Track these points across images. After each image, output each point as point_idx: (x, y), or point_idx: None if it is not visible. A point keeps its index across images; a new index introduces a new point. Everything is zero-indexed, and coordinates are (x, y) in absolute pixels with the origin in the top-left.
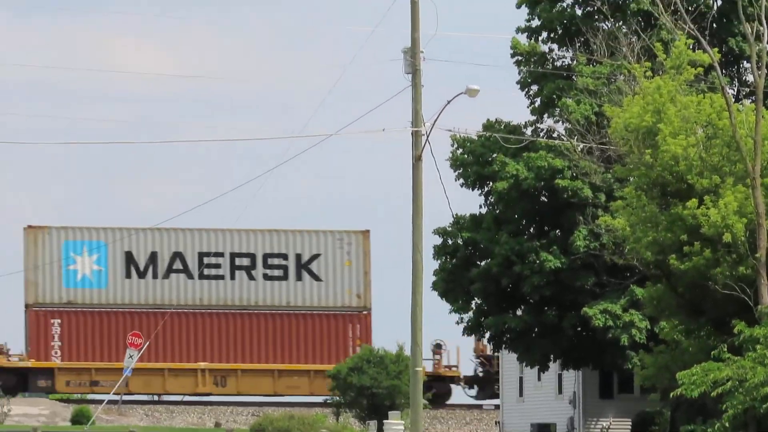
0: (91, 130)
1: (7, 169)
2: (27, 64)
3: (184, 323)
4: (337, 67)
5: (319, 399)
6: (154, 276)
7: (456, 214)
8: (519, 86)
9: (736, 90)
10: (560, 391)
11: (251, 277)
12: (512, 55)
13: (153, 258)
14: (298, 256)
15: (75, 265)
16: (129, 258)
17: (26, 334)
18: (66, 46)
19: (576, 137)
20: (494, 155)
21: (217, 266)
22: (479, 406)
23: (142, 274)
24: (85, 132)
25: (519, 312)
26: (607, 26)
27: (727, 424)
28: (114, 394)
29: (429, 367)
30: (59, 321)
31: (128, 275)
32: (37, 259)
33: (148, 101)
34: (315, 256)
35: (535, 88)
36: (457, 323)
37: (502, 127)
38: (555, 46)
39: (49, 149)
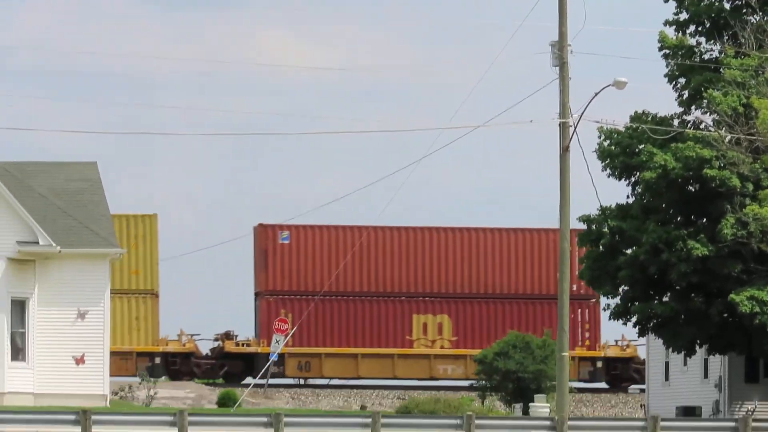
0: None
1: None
2: (176, 57)
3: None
4: (486, 61)
5: (465, 383)
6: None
7: (602, 205)
8: (667, 79)
9: None
10: (706, 375)
11: None
12: (660, 48)
13: None
14: None
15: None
16: None
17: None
18: (213, 40)
19: (724, 128)
20: (642, 146)
21: None
22: (625, 390)
23: None
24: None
25: (666, 299)
26: (756, 19)
27: None
28: (260, 377)
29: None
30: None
31: None
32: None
33: (297, 94)
34: None
35: (682, 80)
36: (604, 309)
37: (650, 118)
38: (703, 39)
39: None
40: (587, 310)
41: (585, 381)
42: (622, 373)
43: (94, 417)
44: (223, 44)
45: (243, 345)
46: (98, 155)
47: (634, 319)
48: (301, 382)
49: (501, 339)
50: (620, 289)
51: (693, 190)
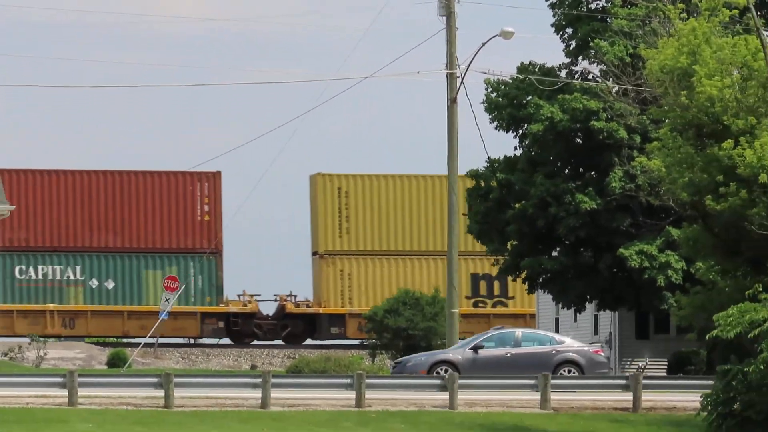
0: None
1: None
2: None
3: None
4: (372, 10)
5: (356, 341)
6: None
7: (490, 157)
8: (554, 29)
9: None
10: (596, 332)
11: None
12: None
13: None
14: None
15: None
16: None
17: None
18: None
19: (611, 79)
20: (529, 98)
21: None
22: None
23: None
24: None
25: (555, 253)
26: None
27: (762, 366)
28: (150, 336)
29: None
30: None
31: None
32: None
33: (183, 46)
34: None
35: (569, 30)
36: (493, 265)
37: (537, 69)
38: None
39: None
40: None
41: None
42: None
43: None
44: None
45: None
46: None
47: (523, 274)
48: (191, 341)
49: (391, 296)
50: (508, 244)
51: (580, 142)
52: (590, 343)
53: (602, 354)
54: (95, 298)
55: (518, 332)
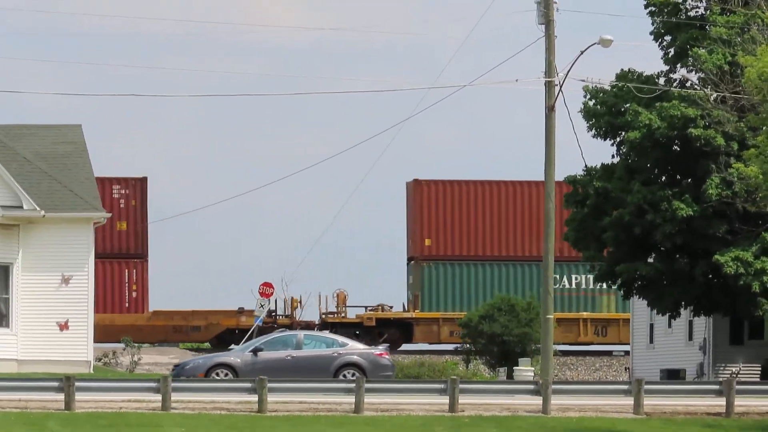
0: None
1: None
2: (165, 18)
3: None
4: (470, 19)
5: (450, 347)
6: None
7: (587, 165)
8: (652, 37)
9: None
10: (690, 338)
11: None
12: (646, 6)
13: None
14: None
15: None
16: None
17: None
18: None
19: (709, 87)
20: (627, 105)
21: None
22: (609, 353)
23: None
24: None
25: (650, 260)
26: None
27: None
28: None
29: None
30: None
31: None
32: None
33: (282, 54)
34: None
35: (668, 38)
36: (589, 271)
37: (635, 77)
38: None
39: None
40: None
41: None
42: None
43: (77, 384)
44: (214, 4)
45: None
46: (88, 118)
47: (619, 280)
48: None
49: (486, 302)
50: (604, 251)
51: (678, 149)
52: (376, 346)
53: (387, 357)
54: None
55: (300, 335)
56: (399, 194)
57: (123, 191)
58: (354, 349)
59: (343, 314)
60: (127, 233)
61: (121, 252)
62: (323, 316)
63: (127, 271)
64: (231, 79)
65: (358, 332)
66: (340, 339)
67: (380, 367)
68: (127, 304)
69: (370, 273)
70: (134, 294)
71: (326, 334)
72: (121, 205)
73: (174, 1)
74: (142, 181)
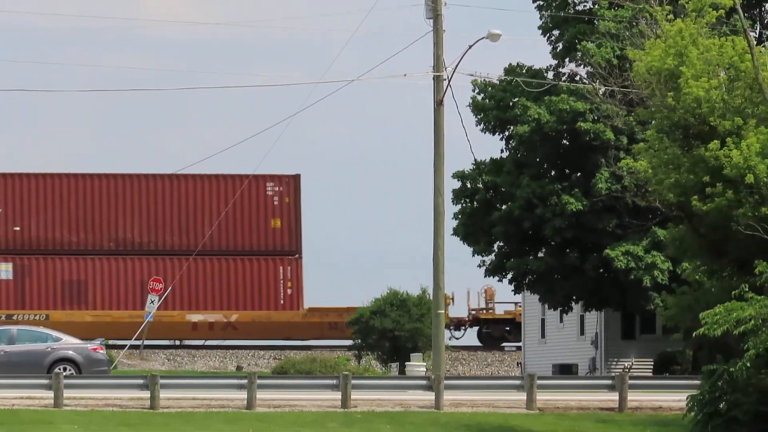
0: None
1: None
2: (60, 13)
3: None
4: (360, 13)
5: (341, 342)
6: None
7: (476, 159)
8: (541, 31)
9: (758, 32)
10: (582, 332)
11: None
12: (534, 0)
13: None
14: None
15: None
16: None
17: None
18: None
19: (598, 81)
20: (516, 99)
21: None
22: (501, 348)
23: None
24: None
25: (541, 254)
26: None
27: (748, 363)
28: (136, 339)
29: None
30: None
31: None
32: None
33: (172, 49)
34: None
35: (557, 32)
36: (479, 266)
37: (524, 71)
38: None
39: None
40: (290, 267)
41: None
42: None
43: None
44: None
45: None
46: None
47: (509, 275)
48: (177, 342)
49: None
50: (495, 246)
51: (567, 143)
52: (92, 341)
53: (102, 351)
54: None
55: (14, 330)
56: None
57: (277, 188)
58: (68, 344)
59: (491, 310)
60: (281, 230)
61: (276, 249)
62: (473, 312)
63: (281, 268)
64: (123, 74)
65: (508, 328)
66: (55, 334)
67: (95, 362)
68: (282, 302)
69: None
70: (289, 291)
71: (42, 329)
72: (275, 203)
73: None
74: (296, 179)
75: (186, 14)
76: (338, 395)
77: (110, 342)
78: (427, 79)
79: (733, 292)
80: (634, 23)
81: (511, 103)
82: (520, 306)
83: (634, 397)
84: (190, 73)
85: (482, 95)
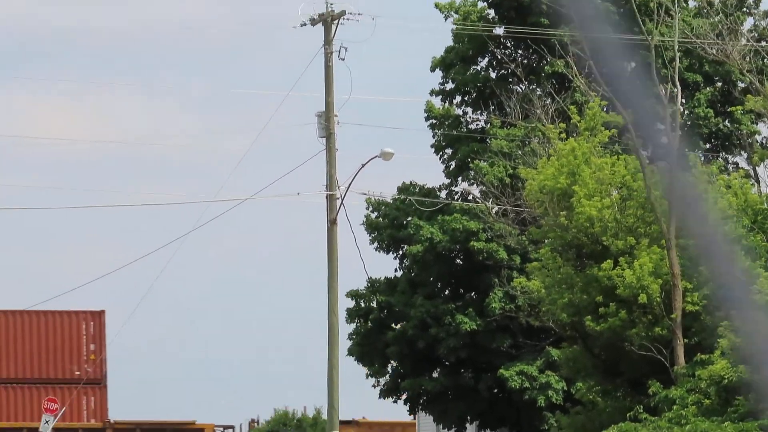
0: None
1: None
2: None
3: None
4: (252, 132)
5: None
6: None
7: (370, 278)
8: (434, 150)
9: (650, 151)
10: None
11: None
12: (426, 119)
13: None
14: None
15: None
16: None
17: None
18: None
19: (490, 200)
20: (409, 218)
21: None
22: None
23: None
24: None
25: (435, 374)
26: (522, 89)
27: None
28: None
29: None
30: None
31: None
32: None
33: (61, 167)
34: None
35: (449, 151)
36: (374, 386)
37: (417, 190)
38: (469, 109)
39: None
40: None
41: None
42: None
43: None
44: None
45: None
46: None
47: (404, 395)
48: None
49: (272, 418)
50: (389, 366)
51: (461, 263)
52: None
53: None
54: None
55: None
56: None
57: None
58: None
59: None
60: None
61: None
62: None
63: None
64: (12, 192)
65: None
66: None
67: None
68: None
69: None
70: None
71: None
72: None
73: None
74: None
75: (67, 130)
76: None
77: None
78: (320, 198)
79: (627, 414)
80: (527, 142)
81: (404, 222)
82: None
83: None
84: (79, 191)
85: (376, 214)
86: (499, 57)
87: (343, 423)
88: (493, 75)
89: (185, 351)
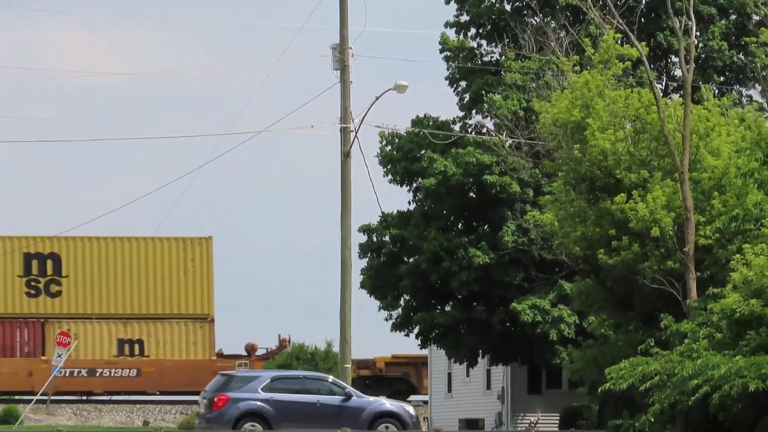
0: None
1: None
2: None
3: None
4: (267, 64)
5: None
6: None
7: (383, 212)
8: (448, 82)
9: (664, 84)
10: (489, 387)
11: None
12: (441, 51)
13: None
14: None
15: None
16: None
17: None
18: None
19: (504, 133)
20: (423, 151)
21: None
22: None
23: None
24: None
25: (448, 308)
26: (536, 21)
27: (652, 419)
28: (42, 393)
29: None
30: None
31: None
32: None
33: (77, 99)
34: None
35: (463, 84)
36: (386, 320)
37: (431, 123)
38: (484, 42)
39: None
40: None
41: None
42: None
43: None
44: (9, 47)
45: None
46: None
47: (416, 329)
48: (84, 397)
49: (285, 351)
50: (402, 299)
51: (474, 196)
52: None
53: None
54: None
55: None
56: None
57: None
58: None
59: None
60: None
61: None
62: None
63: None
64: (24, 124)
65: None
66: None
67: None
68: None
69: None
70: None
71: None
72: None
73: None
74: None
75: (86, 62)
76: None
77: (16, 396)
78: (334, 131)
79: (639, 347)
80: (541, 75)
81: (418, 155)
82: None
83: None
84: (95, 123)
85: (390, 146)
86: None
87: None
88: (507, 7)
89: None
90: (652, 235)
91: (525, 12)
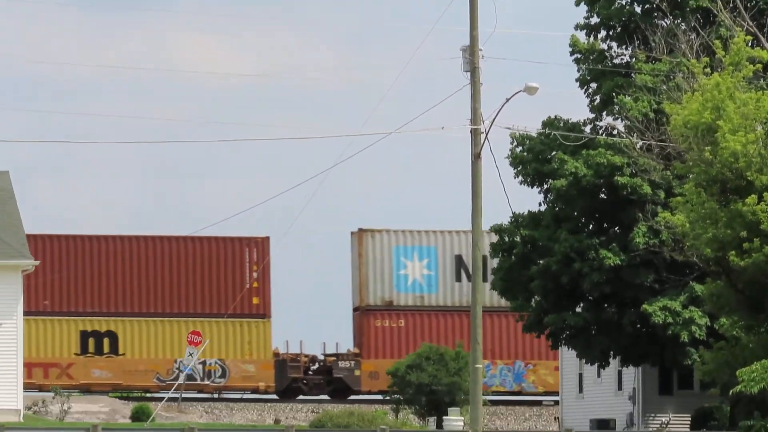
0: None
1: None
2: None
3: None
4: (397, 66)
5: (379, 396)
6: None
7: (514, 213)
8: (578, 84)
9: None
10: (620, 387)
11: None
12: (571, 53)
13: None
14: None
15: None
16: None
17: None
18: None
19: (635, 134)
20: (553, 153)
21: None
22: (539, 402)
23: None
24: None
25: (578, 309)
26: (666, 23)
27: None
28: (174, 391)
29: None
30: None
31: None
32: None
33: (214, 100)
34: None
35: (594, 85)
36: (517, 321)
37: (562, 124)
38: (614, 44)
39: None
40: None
41: None
42: None
43: None
44: (138, 49)
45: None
46: (16, 164)
47: (547, 330)
48: (216, 395)
49: (414, 351)
50: (532, 300)
51: (604, 197)
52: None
53: None
54: None
55: None
56: (331, 244)
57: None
58: None
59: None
60: None
61: None
62: None
63: None
64: (162, 125)
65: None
66: None
67: None
68: None
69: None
70: None
71: None
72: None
73: (97, 44)
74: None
75: (212, 62)
76: None
77: (148, 394)
78: (464, 132)
79: None
80: (671, 77)
81: (549, 157)
82: None
83: None
84: (220, 124)
85: (520, 148)
86: None
87: None
88: (637, 9)
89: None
90: None
91: (655, 14)
